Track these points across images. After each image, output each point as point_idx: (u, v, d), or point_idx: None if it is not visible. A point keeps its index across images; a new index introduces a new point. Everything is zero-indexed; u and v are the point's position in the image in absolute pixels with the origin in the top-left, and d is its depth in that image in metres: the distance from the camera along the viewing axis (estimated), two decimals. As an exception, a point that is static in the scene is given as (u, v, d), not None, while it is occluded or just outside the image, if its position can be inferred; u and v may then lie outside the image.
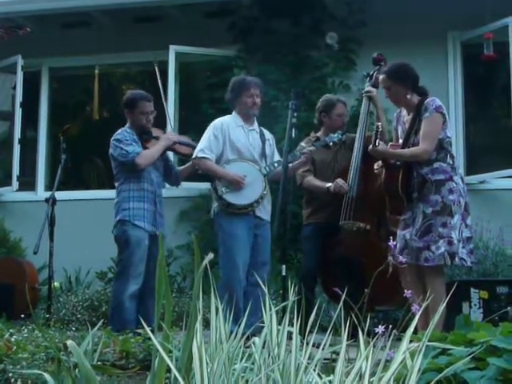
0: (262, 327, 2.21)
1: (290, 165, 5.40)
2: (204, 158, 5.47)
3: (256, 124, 5.67)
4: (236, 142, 5.51)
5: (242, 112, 5.59)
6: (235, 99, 5.61)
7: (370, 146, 4.88)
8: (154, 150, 5.64)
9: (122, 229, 5.54)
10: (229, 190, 5.40)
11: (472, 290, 5.47)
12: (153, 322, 2.08)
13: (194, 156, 5.55)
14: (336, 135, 5.57)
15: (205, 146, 5.49)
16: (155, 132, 5.78)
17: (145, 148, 5.63)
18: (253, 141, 5.58)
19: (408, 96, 4.89)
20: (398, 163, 4.91)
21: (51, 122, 9.29)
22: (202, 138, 5.58)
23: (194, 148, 5.72)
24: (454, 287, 2.67)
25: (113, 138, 5.66)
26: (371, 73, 5.68)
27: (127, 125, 5.74)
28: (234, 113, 5.67)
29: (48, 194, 6.00)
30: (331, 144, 5.59)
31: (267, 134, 5.71)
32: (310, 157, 5.50)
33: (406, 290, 2.63)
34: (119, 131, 5.69)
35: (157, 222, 5.62)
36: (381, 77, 5.04)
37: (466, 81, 8.07)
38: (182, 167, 6.27)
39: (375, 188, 5.23)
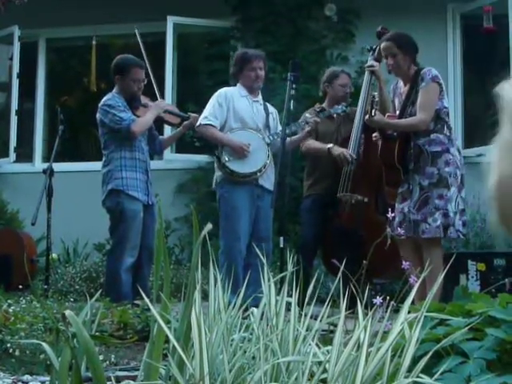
0: (261, 298, 2.21)
1: (295, 137, 5.40)
2: (208, 124, 5.46)
3: (260, 96, 5.66)
4: (240, 110, 5.50)
5: (245, 85, 5.57)
6: (238, 73, 5.59)
7: (367, 116, 4.86)
8: (148, 117, 5.52)
9: (115, 200, 5.42)
10: (232, 158, 5.38)
11: (469, 262, 5.49)
12: (150, 293, 2.08)
13: (198, 123, 5.50)
14: (340, 107, 5.57)
15: (209, 113, 5.47)
16: (143, 99, 5.67)
17: (134, 115, 5.49)
18: (257, 111, 5.57)
19: (409, 65, 4.87)
20: (395, 134, 4.90)
21: (48, 93, 9.25)
22: (207, 106, 5.56)
23: (182, 118, 5.72)
24: (452, 259, 2.67)
25: (102, 102, 5.50)
26: (374, 47, 5.63)
27: (115, 90, 5.60)
28: (238, 84, 5.64)
29: (45, 165, 5.98)
30: (335, 115, 5.59)
31: (271, 108, 5.69)
32: (314, 127, 5.49)
33: (404, 262, 2.63)
34: (109, 96, 5.54)
35: (149, 192, 5.55)
36: (386, 43, 4.95)
37: (465, 53, 8.04)
38: (166, 136, 6.26)
39: (374, 161, 5.22)
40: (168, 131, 6.94)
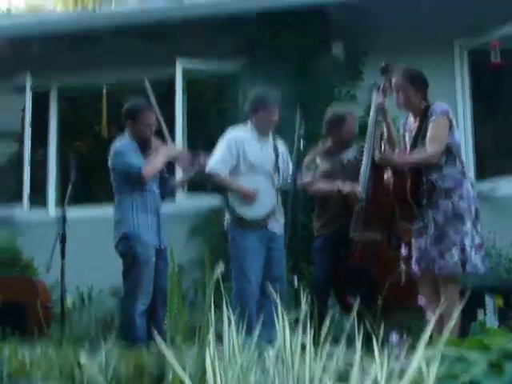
0: (276, 339, 2.20)
1: (303, 181, 5.40)
2: (216, 173, 5.47)
3: (271, 137, 5.67)
4: (249, 155, 5.51)
5: (258, 126, 5.60)
6: (253, 113, 5.61)
7: (377, 153, 4.86)
8: (158, 160, 5.51)
9: (128, 245, 5.41)
10: (240, 204, 5.40)
11: (487, 297, 5.44)
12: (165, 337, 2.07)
13: (207, 169, 5.53)
14: (351, 154, 5.56)
15: (217, 161, 5.49)
16: (154, 142, 5.66)
17: (145, 159, 5.50)
18: (266, 154, 5.58)
19: (420, 101, 4.88)
20: (406, 169, 4.89)
21: (61, 141, 9.33)
22: (216, 150, 5.58)
23: (192, 162, 5.71)
24: (468, 294, 2.65)
25: (114, 148, 5.52)
26: (379, 83, 5.64)
27: (126, 135, 5.60)
28: (249, 125, 5.66)
29: (59, 211, 6.00)
30: (346, 162, 5.59)
31: (281, 148, 5.69)
32: (325, 176, 5.51)
33: (419, 298, 2.61)
34: (121, 142, 5.55)
35: (160, 236, 5.53)
36: (397, 78, 4.97)
37: (473, 88, 8.07)
38: (178, 179, 6.30)
39: (385, 197, 5.21)
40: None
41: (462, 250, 4.63)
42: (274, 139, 5.69)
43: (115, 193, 5.59)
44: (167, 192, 5.90)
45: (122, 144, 5.54)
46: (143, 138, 5.55)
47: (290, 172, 5.51)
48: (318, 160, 5.63)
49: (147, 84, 6.33)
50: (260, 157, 5.54)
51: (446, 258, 4.63)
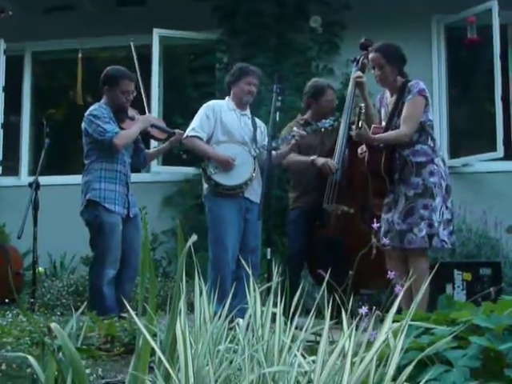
0: (247, 309, 2.22)
1: (281, 150, 5.42)
2: (195, 136, 5.48)
3: (248, 110, 5.69)
4: (227, 123, 5.53)
5: (236, 96, 5.62)
6: (233, 82, 5.64)
7: (353, 129, 4.88)
8: (132, 131, 5.46)
9: (93, 213, 5.35)
10: (218, 171, 5.41)
11: (455, 271, 5.52)
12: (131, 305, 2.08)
13: (185, 135, 5.53)
14: (328, 121, 5.55)
15: (196, 126, 5.52)
16: (130, 112, 5.59)
17: (120, 127, 5.44)
18: (244, 125, 5.60)
19: (396, 77, 4.90)
20: (381, 145, 4.92)
21: (34, 106, 9.24)
22: (194, 118, 5.59)
23: (168, 133, 5.70)
24: (436, 267, 2.69)
25: (88, 112, 5.44)
26: (358, 58, 5.65)
27: (103, 101, 5.53)
28: (227, 97, 5.69)
29: (31, 178, 5.97)
30: (322, 130, 5.59)
31: (259, 122, 5.72)
32: (300, 140, 5.50)
33: (390, 272, 2.65)
34: (95, 106, 5.48)
35: (130, 204, 5.47)
36: (373, 54, 4.96)
37: (449, 64, 8.10)
38: (151, 150, 6.20)
39: (359, 172, 5.24)
40: (154, 145, 6.94)
41: (430, 224, 4.68)
42: (251, 114, 5.70)
43: (85, 157, 5.51)
44: (140, 163, 5.84)
45: (96, 108, 5.46)
46: (119, 104, 5.48)
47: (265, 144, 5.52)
48: (295, 128, 5.63)
49: (133, 49, 6.29)
50: (237, 126, 5.56)
51: (415, 231, 4.69)
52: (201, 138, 5.48)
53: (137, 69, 6.06)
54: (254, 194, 5.42)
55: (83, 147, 5.55)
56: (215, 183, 5.41)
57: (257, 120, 5.73)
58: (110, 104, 5.50)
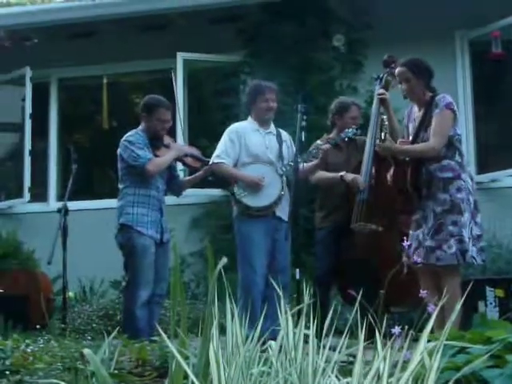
0: (279, 331, 2.20)
1: (307, 164, 5.41)
2: (221, 163, 5.50)
3: (273, 126, 5.69)
4: (251, 146, 5.55)
5: (257, 116, 5.64)
6: (251, 104, 5.67)
7: (377, 142, 4.86)
8: (166, 158, 5.57)
9: (126, 236, 5.45)
10: (246, 193, 5.42)
11: (487, 288, 5.45)
12: (156, 329, 2.07)
13: (211, 162, 5.57)
14: (351, 130, 5.54)
15: (221, 152, 5.54)
16: (166, 140, 5.70)
17: (154, 155, 5.55)
18: (269, 143, 5.61)
19: (423, 91, 4.88)
20: (407, 159, 4.89)
21: (61, 132, 9.33)
22: (219, 144, 5.62)
23: (202, 162, 5.75)
24: (470, 286, 2.66)
25: (124, 138, 5.56)
26: (381, 75, 5.64)
27: (140, 128, 5.65)
28: (249, 118, 5.71)
29: (60, 204, 6.01)
30: (346, 139, 5.57)
31: (284, 136, 5.71)
32: (325, 155, 5.49)
33: (421, 290, 2.62)
34: (132, 132, 5.59)
35: (163, 229, 5.56)
36: (400, 69, 4.96)
37: (474, 79, 8.06)
38: (187, 178, 6.27)
39: (387, 189, 5.21)
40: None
41: (460, 240, 4.63)
42: (276, 128, 5.70)
43: (119, 182, 5.62)
44: (174, 190, 5.94)
45: (133, 134, 5.58)
46: (155, 132, 5.59)
47: (291, 162, 5.51)
48: (319, 142, 5.63)
49: (172, 75, 6.35)
50: (262, 146, 5.56)
51: (444, 248, 4.65)
52: (226, 164, 5.50)
53: (176, 98, 6.12)
54: (284, 212, 5.43)
55: (118, 172, 5.65)
56: (245, 206, 5.43)
57: (282, 133, 5.71)
58: (146, 131, 5.60)
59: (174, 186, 5.86)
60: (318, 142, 5.66)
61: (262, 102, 5.58)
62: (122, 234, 5.50)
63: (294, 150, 5.48)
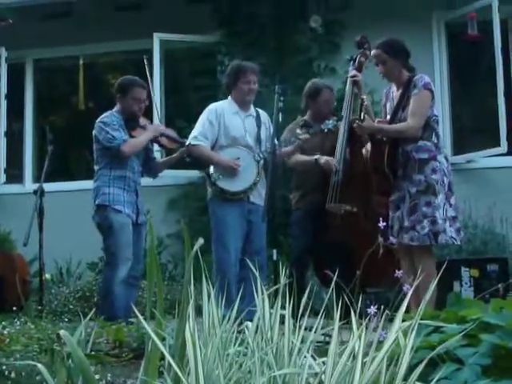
0: (255, 312, 2.21)
1: (284, 149, 5.41)
2: (198, 145, 5.47)
3: (252, 108, 5.65)
4: (230, 128, 5.50)
5: (238, 98, 5.58)
6: (232, 84, 5.59)
7: (356, 122, 4.88)
8: (141, 139, 5.54)
9: (103, 215, 5.45)
10: (222, 177, 5.40)
11: (462, 268, 5.51)
12: (133, 311, 2.08)
13: (187, 142, 5.53)
14: (331, 122, 5.51)
15: (199, 133, 5.49)
16: (142, 121, 5.67)
17: (130, 135, 5.53)
18: (248, 127, 5.56)
19: (400, 71, 4.90)
20: (385, 139, 4.91)
21: (37, 113, 9.25)
22: (197, 124, 5.56)
23: (179, 143, 5.72)
24: (444, 266, 2.68)
25: (99, 119, 5.53)
26: (355, 56, 5.65)
27: (115, 109, 5.62)
28: (229, 98, 5.65)
29: (36, 185, 5.97)
30: (326, 130, 5.57)
31: (263, 117, 5.66)
32: (303, 144, 5.50)
33: (397, 270, 2.64)
34: (107, 114, 5.57)
35: (138, 211, 5.55)
36: (375, 51, 4.98)
37: (450, 61, 8.09)
38: (162, 160, 6.24)
39: (361, 171, 5.23)
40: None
41: (433, 222, 4.67)
42: (255, 109, 5.67)
43: (95, 163, 5.60)
44: (150, 172, 5.92)
45: (107, 115, 5.55)
46: (131, 112, 5.56)
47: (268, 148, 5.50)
48: (298, 130, 5.63)
49: (145, 61, 6.30)
50: (241, 129, 5.53)
51: (417, 229, 4.69)
52: (204, 146, 5.47)
53: (149, 80, 6.07)
54: (259, 196, 5.42)
55: (93, 153, 5.62)
56: (220, 189, 5.41)
57: (262, 114, 5.66)
58: (122, 112, 5.58)
59: (149, 167, 5.84)
60: (298, 130, 5.64)
61: (243, 84, 5.52)
62: (98, 214, 5.49)
63: (272, 131, 5.46)
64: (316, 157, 5.61)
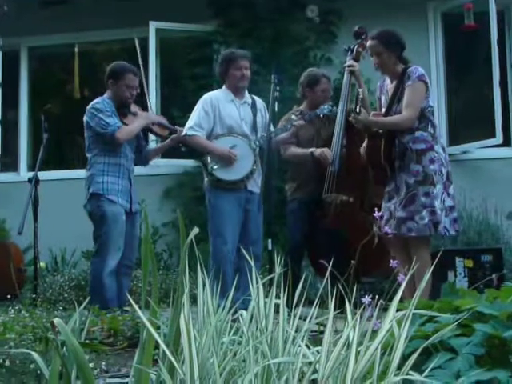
0: (250, 301, 2.21)
1: (280, 136, 5.41)
2: (193, 135, 5.47)
3: (247, 95, 5.64)
4: (226, 117, 5.50)
5: (231, 85, 5.58)
6: (224, 73, 5.59)
7: (351, 114, 4.88)
8: (135, 125, 5.49)
9: (96, 204, 5.37)
10: (218, 166, 5.40)
11: (457, 258, 5.52)
12: (127, 300, 2.07)
13: (183, 133, 5.52)
14: (326, 107, 5.54)
15: (194, 123, 5.49)
16: (133, 107, 5.61)
17: (121, 122, 5.46)
18: (244, 115, 5.56)
19: (395, 63, 4.89)
20: (381, 132, 4.91)
21: (32, 101, 9.22)
22: (192, 114, 5.56)
23: (170, 130, 5.68)
24: (439, 256, 2.69)
25: (91, 105, 5.46)
26: (352, 46, 5.64)
27: (106, 95, 5.55)
28: (224, 87, 5.64)
29: (31, 174, 5.96)
30: (321, 116, 5.57)
31: (259, 103, 5.65)
32: (298, 131, 5.50)
33: (392, 260, 2.64)
34: (98, 100, 5.50)
35: (132, 199, 5.50)
36: (370, 42, 4.97)
37: (447, 51, 8.08)
38: (153, 148, 6.21)
39: (357, 161, 5.23)
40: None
41: (432, 212, 4.68)
42: (251, 96, 5.66)
43: (87, 151, 5.54)
44: (141, 159, 5.84)
45: (99, 102, 5.48)
46: (123, 99, 5.50)
47: (271, 129, 5.48)
48: (294, 117, 5.63)
49: (137, 45, 6.26)
50: (237, 118, 5.52)
51: (416, 219, 4.69)
52: (199, 136, 5.46)
53: (141, 66, 6.04)
54: (255, 185, 5.43)
55: (85, 141, 5.56)
56: (217, 179, 5.42)
57: (257, 101, 5.65)
58: (113, 98, 5.51)
59: (141, 155, 5.77)
60: (293, 117, 5.64)
61: (235, 70, 5.51)
62: (91, 202, 5.42)
63: (268, 119, 5.45)
64: (311, 149, 5.61)
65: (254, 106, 5.61)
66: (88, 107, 5.48)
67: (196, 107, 5.58)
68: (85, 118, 5.48)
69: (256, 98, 5.66)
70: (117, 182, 5.41)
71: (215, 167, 5.40)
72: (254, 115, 5.58)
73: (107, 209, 5.35)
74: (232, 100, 5.57)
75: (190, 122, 5.53)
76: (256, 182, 5.44)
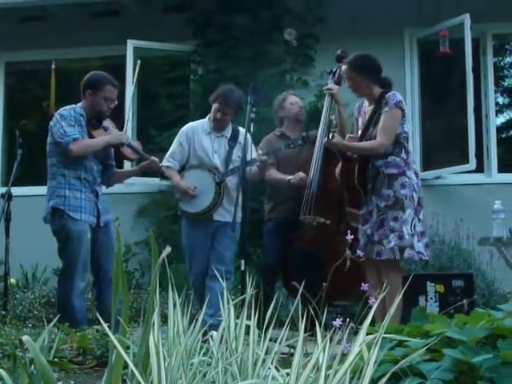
0: (220, 321, 2.21)
1: (253, 171, 5.39)
2: (167, 166, 5.63)
3: (229, 128, 5.67)
4: (199, 149, 5.62)
5: (212, 120, 5.65)
6: (212, 102, 5.65)
7: (325, 139, 4.92)
8: (96, 141, 5.21)
9: (60, 222, 5.13)
10: (182, 198, 5.57)
11: (428, 283, 5.55)
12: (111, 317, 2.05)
13: (161, 163, 5.60)
14: (300, 137, 5.47)
15: (169, 154, 5.68)
16: (107, 122, 5.36)
17: (90, 135, 5.22)
18: (218, 147, 5.62)
19: (370, 87, 4.92)
20: (355, 155, 4.94)
21: (7, 117, 9.17)
22: (172, 144, 5.72)
23: (140, 156, 5.57)
24: (410, 280, 2.70)
25: (59, 111, 5.25)
26: (334, 70, 5.70)
27: (80, 104, 5.28)
28: (207, 117, 5.72)
29: (4, 189, 5.91)
30: (293, 147, 5.56)
31: (241, 136, 5.55)
32: (266, 165, 5.53)
33: (363, 284, 2.65)
34: (68, 107, 5.25)
35: (99, 213, 5.24)
36: (344, 68, 5.02)
37: (422, 77, 8.17)
38: (121, 170, 5.99)
39: (336, 184, 5.25)
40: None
41: (400, 236, 4.70)
42: (234, 129, 5.67)
43: (48, 157, 5.30)
44: (104, 179, 5.50)
45: (67, 109, 5.24)
46: (99, 111, 5.25)
47: (230, 169, 5.53)
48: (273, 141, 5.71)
49: (137, 67, 6.26)
50: (209, 150, 5.60)
51: (383, 243, 4.72)
52: (171, 168, 5.63)
53: (132, 86, 6.00)
54: (227, 214, 5.47)
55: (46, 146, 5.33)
56: (181, 210, 5.64)
57: (240, 133, 5.60)
58: (88, 109, 5.25)
59: (106, 174, 5.47)
60: (270, 140, 5.74)
61: (216, 111, 5.56)
62: (54, 219, 5.18)
63: (252, 147, 5.44)
64: (289, 177, 5.62)
65: (234, 138, 5.63)
66: (56, 112, 5.30)
67: (175, 138, 5.72)
68: (50, 123, 5.26)
69: (241, 130, 5.61)
70: (79, 197, 5.16)
71: (180, 198, 5.60)
72: (231, 147, 5.60)
73: (71, 228, 5.10)
74: (209, 133, 5.64)
75: (168, 152, 5.70)
76: (227, 210, 5.47)
